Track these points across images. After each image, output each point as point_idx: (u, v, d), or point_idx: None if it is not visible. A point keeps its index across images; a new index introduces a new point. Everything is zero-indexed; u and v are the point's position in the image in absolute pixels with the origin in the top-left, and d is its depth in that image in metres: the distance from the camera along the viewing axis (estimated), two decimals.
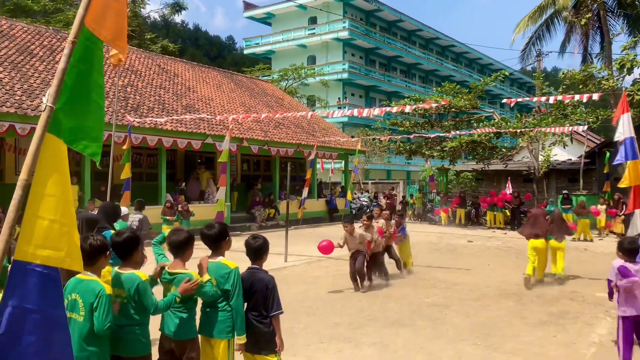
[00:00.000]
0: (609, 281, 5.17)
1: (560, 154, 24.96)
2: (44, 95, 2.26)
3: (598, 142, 26.93)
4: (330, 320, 7.07)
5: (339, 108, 40.01)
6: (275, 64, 47.85)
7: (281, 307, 3.94)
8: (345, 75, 44.98)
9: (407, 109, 12.38)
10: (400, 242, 10.65)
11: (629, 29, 24.24)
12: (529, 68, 35.21)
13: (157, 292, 3.73)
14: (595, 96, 12.46)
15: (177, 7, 35.83)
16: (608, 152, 20.08)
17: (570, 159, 25.33)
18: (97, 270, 3.37)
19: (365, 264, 9.11)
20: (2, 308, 2.04)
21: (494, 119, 23.62)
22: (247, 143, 19.09)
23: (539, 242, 9.54)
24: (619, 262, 4.96)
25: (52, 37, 17.85)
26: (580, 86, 20.18)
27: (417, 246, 15.06)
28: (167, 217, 14.30)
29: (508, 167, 24.79)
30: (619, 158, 6.93)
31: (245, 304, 4.00)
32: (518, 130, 20.71)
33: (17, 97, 13.16)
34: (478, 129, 20.65)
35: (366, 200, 25.41)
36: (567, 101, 18.00)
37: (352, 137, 30.81)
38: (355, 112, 12.14)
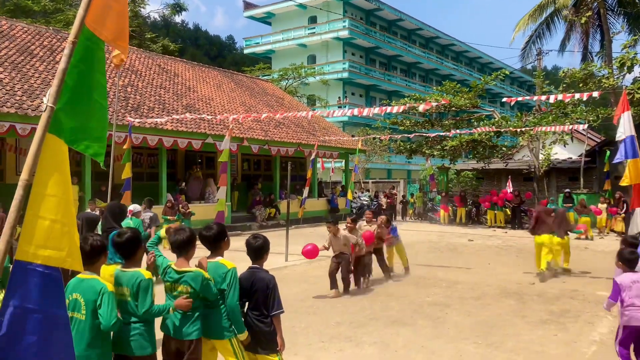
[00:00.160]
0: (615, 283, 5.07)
1: (561, 153, 24.95)
2: (45, 96, 2.26)
3: (598, 140, 26.90)
4: (331, 320, 7.07)
5: (339, 107, 39.99)
6: (276, 64, 47.86)
7: (282, 306, 3.94)
8: (345, 75, 44.97)
9: (402, 108, 12.32)
10: (392, 245, 10.26)
11: (629, 27, 24.22)
12: (529, 67, 35.18)
13: (158, 292, 3.74)
14: (596, 94, 12.46)
15: (178, 8, 35.83)
16: (608, 150, 20.08)
17: (571, 158, 25.32)
18: (96, 269, 3.41)
19: (352, 268, 8.78)
20: (4, 308, 2.04)
21: (495, 118, 23.62)
22: (248, 143, 19.10)
23: (545, 238, 10.04)
24: (619, 273, 4.83)
25: (52, 37, 17.85)
26: (581, 85, 20.17)
27: (417, 245, 15.09)
28: (168, 217, 14.33)
29: (508, 166, 24.79)
30: (619, 156, 6.94)
31: (247, 304, 4.00)
32: (518, 129, 20.70)
33: (18, 98, 13.16)
34: (478, 128, 20.64)
35: (367, 199, 25.41)
36: (567, 100, 18.00)
37: (353, 136, 30.79)
38: (356, 111, 12.13)
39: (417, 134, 22.77)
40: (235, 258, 4.00)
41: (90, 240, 3.35)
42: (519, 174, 23.98)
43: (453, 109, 23.66)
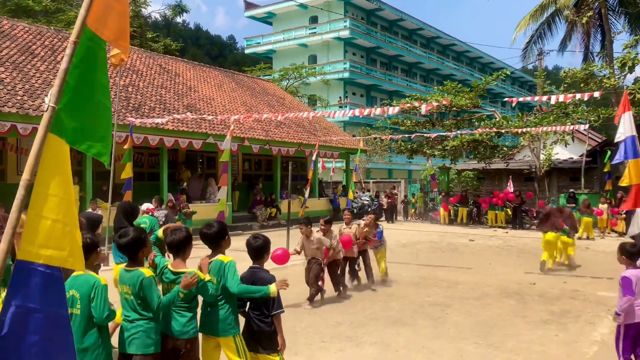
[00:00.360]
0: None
1: (562, 153, 24.95)
2: (46, 96, 2.27)
3: (599, 140, 26.91)
4: (332, 320, 7.08)
5: (340, 107, 40.00)
6: (276, 64, 47.86)
7: (282, 306, 3.95)
8: (346, 75, 44.96)
9: (396, 109, 12.36)
10: (376, 249, 9.54)
11: (631, 27, 24.20)
12: (530, 67, 35.22)
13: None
14: (597, 95, 12.47)
15: (179, 9, 35.83)
16: (609, 150, 20.07)
17: (572, 158, 25.31)
18: (89, 265, 3.50)
19: (334, 272, 8.23)
20: (5, 308, 2.05)
21: (495, 118, 23.61)
22: (249, 142, 19.10)
23: (551, 236, 10.70)
24: (624, 269, 4.79)
25: (54, 37, 17.87)
26: (582, 85, 20.18)
27: (418, 245, 15.11)
28: None
29: (509, 166, 24.77)
30: (619, 157, 6.92)
31: (248, 303, 4.01)
32: (519, 130, 20.70)
33: (19, 97, 13.17)
34: (479, 128, 20.65)
35: (367, 199, 25.40)
36: (568, 100, 18.00)
37: (354, 136, 30.80)
38: (357, 112, 12.13)
39: (418, 134, 22.77)
40: (236, 258, 4.00)
41: (83, 239, 3.41)
42: (520, 174, 23.97)
43: (454, 109, 23.65)
